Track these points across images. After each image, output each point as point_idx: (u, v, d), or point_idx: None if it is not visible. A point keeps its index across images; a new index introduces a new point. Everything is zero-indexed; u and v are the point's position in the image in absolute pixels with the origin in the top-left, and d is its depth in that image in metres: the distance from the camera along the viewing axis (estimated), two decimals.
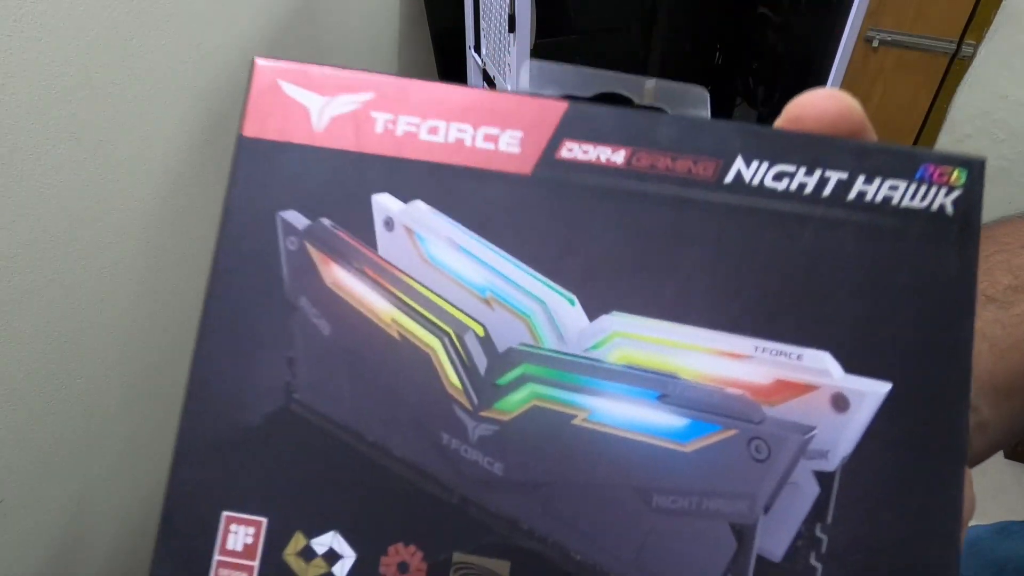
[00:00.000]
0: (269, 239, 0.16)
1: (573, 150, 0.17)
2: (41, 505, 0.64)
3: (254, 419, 0.16)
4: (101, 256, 0.64)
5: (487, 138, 0.17)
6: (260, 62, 0.17)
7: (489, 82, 0.93)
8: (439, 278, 0.16)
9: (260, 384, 0.16)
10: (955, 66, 1.44)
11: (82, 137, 0.58)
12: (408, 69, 1.17)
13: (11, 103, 0.52)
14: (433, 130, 0.17)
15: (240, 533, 0.16)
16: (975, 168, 0.16)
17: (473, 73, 0.99)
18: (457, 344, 0.16)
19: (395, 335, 0.16)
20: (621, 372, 0.16)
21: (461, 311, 0.16)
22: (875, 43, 1.47)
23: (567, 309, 0.16)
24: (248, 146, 0.17)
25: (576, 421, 0.16)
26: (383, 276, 0.16)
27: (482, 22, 0.89)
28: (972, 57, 1.41)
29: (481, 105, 0.17)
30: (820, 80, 0.84)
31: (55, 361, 0.62)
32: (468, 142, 0.17)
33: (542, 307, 0.16)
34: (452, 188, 0.16)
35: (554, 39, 0.85)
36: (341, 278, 0.16)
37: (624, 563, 0.16)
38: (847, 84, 0.89)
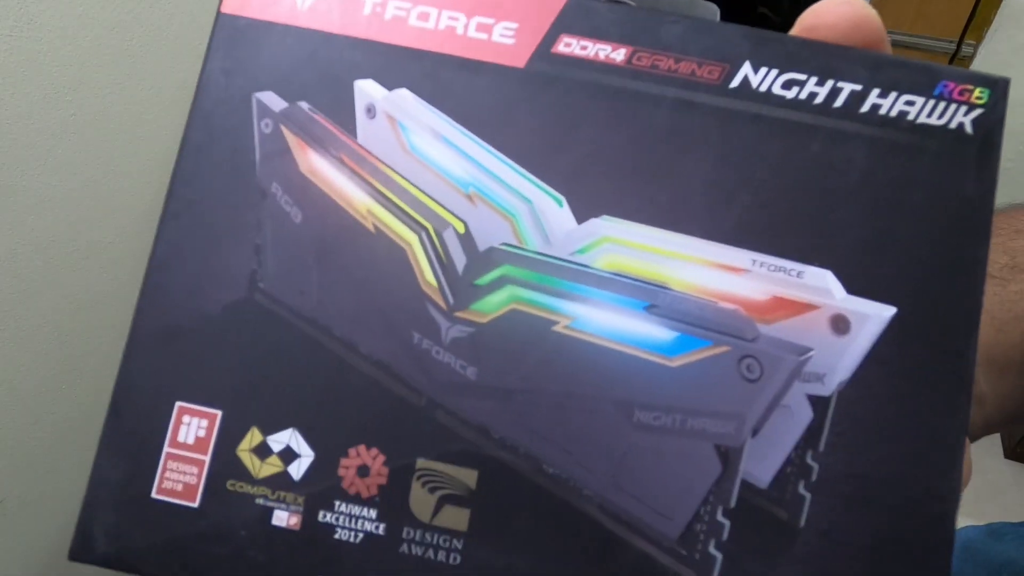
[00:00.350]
0: (243, 120, 0.15)
1: (571, 45, 0.16)
2: (41, 505, 0.64)
3: (215, 307, 0.15)
4: (101, 256, 0.64)
5: (480, 27, 0.16)
6: None
7: None
8: (420, 170, 0.15)
9: (223, 271, 0.15)
10: (955, 66, 1.45)
11: (82, 137, 0.58)
12: None
13: (11, 103, 0.52)
14: (423, 16, 0.16)
15: (193, 425, 0.15)
16: (999, 87, 0.15)
17: None
18: (435, 240, 0.15)
19: (370, 227, 0.15)
20: (608, 279, 0.15)
21: (441, 206, 0.15)
22: None
23: (554, 210, 0.15)
24: (226, 23, 0.16)
25: (557, 328, 0.15)
26: (361, 165, 0.15)
27: None
28: (972, 57, 1.39)
29: None
30: None
31: (55, 361, 0.62)
32: (460, 30, 0.16)
33: (528, 206, 0.15)
34: (440, 77, 0.15)
35: None
36: (317, 165, 0.15)
37: (600, 480, 0.15)
38: None
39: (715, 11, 0.17)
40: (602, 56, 0.16)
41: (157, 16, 0.63)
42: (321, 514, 0.14)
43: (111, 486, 0.15)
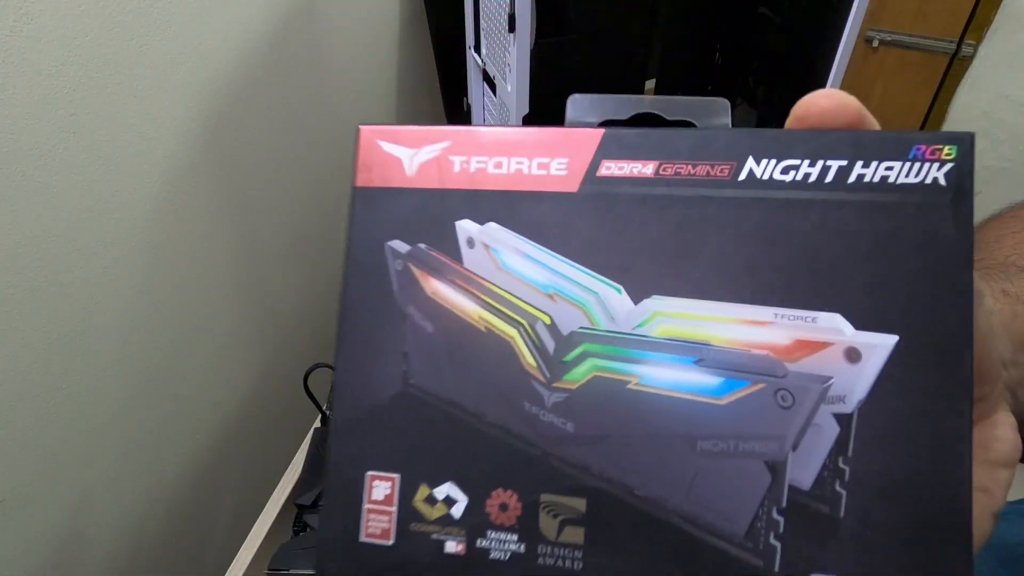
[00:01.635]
0: (381, 263, 0.21)
1: (611, 168, 0.20)
2: (41, 505, 0.64)
3: (383, 400, 0.21)
4: (101, 256, 0.64)
5: (540, 166, 0.21)
6: (363, 128, 0.22)
7: (489, 82, 0.90)
8: (512, 281, 0.21)
9: (385, 374, 0.21)
10: (955, 66, 1.41)
11: (82, 137, 0.58)
12: (408, 69, 1.15)
13: (11, 103, 0.52)
14: (498, 165, 0.21)
15: (380, 487, 0.21)
16: (964, 142, 0.19)
17: (473, 73, 0.97)
18: (530, 332, 0.20)
19: (482, 328, 0.21)
20: (664, 343, 0.20)
21: (531, 306, 0.21)
22: (875, 43, 1.47)
23: (615, 296, 0.20)
24: (360, 194, 0.22)
25: (630, 386, 0.20)
26: (470, 284, 0.21)
27: (482, 22, 0.86)
28: (972, 57, 1.37)
29: (533, 140, 0.21)
30: (820, 80, 0.83)
31: (55, 361, 0.62)
32: (526, 171, 0.21)
33: (595, 297, 0.20)
34: (516, 209, 0.21)
35: (554, 39, 0.83)
36: (438, 288, 0.21)
37: (678, 496, 0.19)
38: (847, 84, 0.87)
39: (726, 105, 0.20)
40: (635, 172, 0.20)
41: (157, 16, 0.63)
42: (478, 541, 0.20)
43: (333, 535, 0.21)
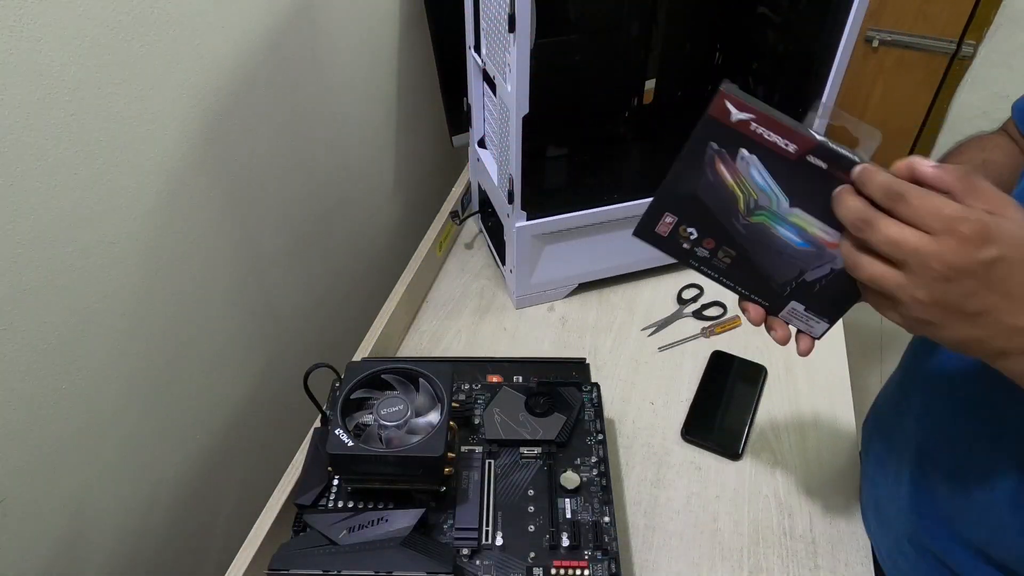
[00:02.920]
0: (703, 151, 0.55)
1: (812, 159, 0.55)
2: (41, 505, 0.63)
3: (684, 195, 0.56)
4: (101, 256, 0.63)
5: (785, 143, 0.54)
6: (723, 89, 0.54)
7: (489, 82, 0.89)
8: (749, 178, 0.55)
9: (686, 187, 0.56)
10: (955, 66, 1.38)
11: (82, 137, 0.57)
12: (408, 69, 1.15)
13: (11, 103, 0.50)
14: (769, 135, 0.54)
15: (666, 220, 0.57)
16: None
17: (473, 73, 0.94)
18: (746, 198, 0.56)
19: (730, 188, 0.56)
20: (790, 225, 0.55)
21: (752, 188, 0.55)
22: (875, 43, 1.44)
23: (784, 202, 0.55)
24: (708, 119, 0.55)
25: (772, 231, 0.55)
26: (734, 173, 0.55)
27: (482, 22, 0.84)
28: (972, 57, 1.36)
29: (791, 127, 0.55)
30: (820, 80, 0.82)
31: (55, 361, 0.61)
32: (778, 143, 0.54)
33: (776, 198, 0.55)
34: (767, 155, 0.54)
35: (554, 39, 0.83)
36: (721, 168, 0.55)
37: (787, 277, 0.57)
38: (847, 84, 0.83)
39: (878, 134, 0.49)
40: (824, 165, 0.55)
41: (157, 16, 0.62)
42: (698, 250, 0.57)
43: (646, 231, 0.58)
